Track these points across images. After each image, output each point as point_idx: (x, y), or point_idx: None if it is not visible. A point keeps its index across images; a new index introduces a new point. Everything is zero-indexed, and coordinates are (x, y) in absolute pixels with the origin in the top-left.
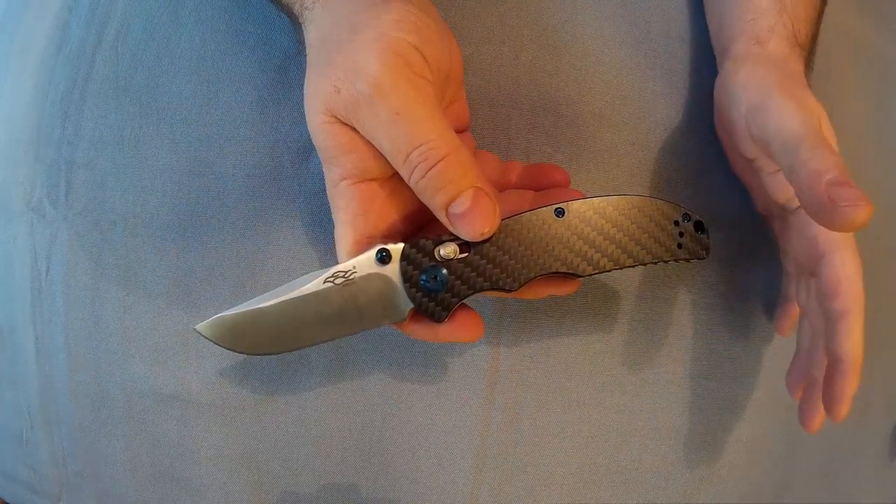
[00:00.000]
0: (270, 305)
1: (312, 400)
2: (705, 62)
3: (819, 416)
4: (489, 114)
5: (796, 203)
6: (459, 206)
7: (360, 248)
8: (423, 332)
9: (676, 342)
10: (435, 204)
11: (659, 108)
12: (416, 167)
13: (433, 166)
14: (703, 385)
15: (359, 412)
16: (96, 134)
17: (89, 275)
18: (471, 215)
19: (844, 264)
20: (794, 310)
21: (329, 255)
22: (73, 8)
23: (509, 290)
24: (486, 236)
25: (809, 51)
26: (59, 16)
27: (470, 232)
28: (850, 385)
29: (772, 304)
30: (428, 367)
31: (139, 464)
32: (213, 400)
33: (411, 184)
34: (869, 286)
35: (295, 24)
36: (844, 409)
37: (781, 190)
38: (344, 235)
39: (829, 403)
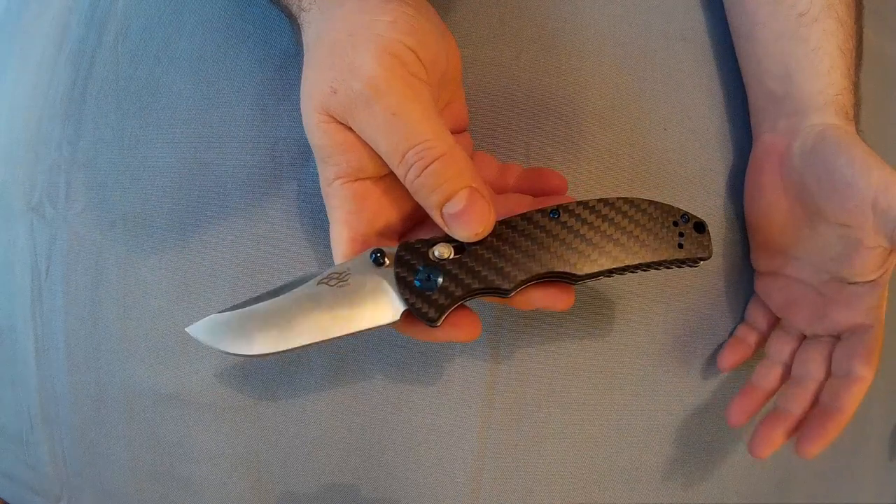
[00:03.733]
0: (262, 305)
1: (312, 400)
2: (705, 62)
3: (774, 447)
4: (489, 114)
5: (864, 279)
6: (454, 207)
7: (355, 247)
8: (419, 332)
9: (676, 342)
10: (430, 203)
11: (659, 108)
12: (411, 166)
13: (428, 165)
14: (704, 385)
15: (359, 412)
16: (96, 134)
17: (89, 275)
18: (465, 216)
19: (879, 338)
20: (745, 352)
21: (328, 254)
22: (72, 8)
23: (504, 294)
24: (479, 237)
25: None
26: (59, 16)
27: (464, 232)
28: (836, 432)
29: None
30: (428, 367)
31: (139, 464)
32: (212, 400)
33: (406, 183)
34: None
35: (294, 24)
36: (819, 450)
37: (870, 263)
38: (339, 234)
39: (810, 441)
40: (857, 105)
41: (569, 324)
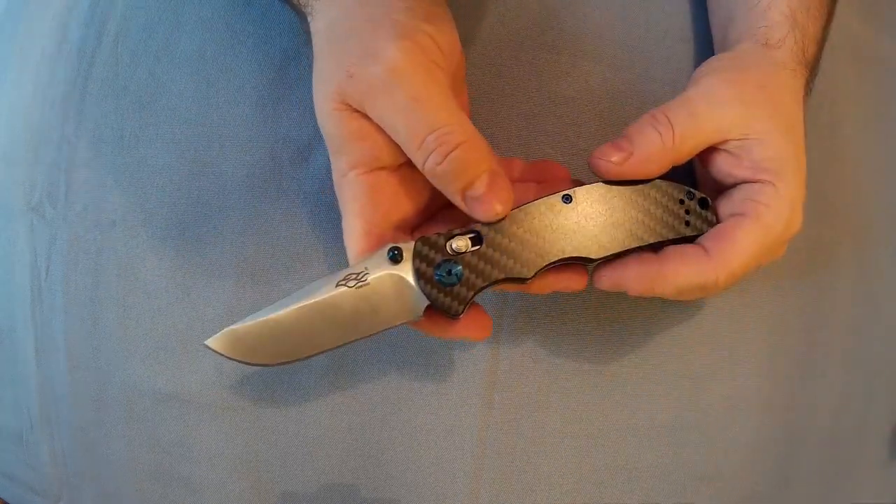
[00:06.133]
0: (282, 314)
1: (312, 400)
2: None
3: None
4: (489, 113)
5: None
6: (477, 191)
7: (370, 240)
8: (436, 328)
9: (676, 341)
10: (451, 189)
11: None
12: (432, 153)
13: (451, 152)
14: (704, 385)
15: (358, 412)
16: (96, 134)
17: (89, 275)
18: (487, 198)
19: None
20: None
21: (329, 254)
22: (72, 8)
23: (523, 281)
24: (500, 216)
25: (812, 72)
26: (59, 16)
27: (486, 213)
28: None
29: (774, 306)
30: (427, 367)
31: (139, 464)
32: (212, 400)
33: (425, 169)
34: (871, 288)
35: (299, 13)
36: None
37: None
38: (353, 227)
39: None
40: (798, 40)
41: (569, 323)
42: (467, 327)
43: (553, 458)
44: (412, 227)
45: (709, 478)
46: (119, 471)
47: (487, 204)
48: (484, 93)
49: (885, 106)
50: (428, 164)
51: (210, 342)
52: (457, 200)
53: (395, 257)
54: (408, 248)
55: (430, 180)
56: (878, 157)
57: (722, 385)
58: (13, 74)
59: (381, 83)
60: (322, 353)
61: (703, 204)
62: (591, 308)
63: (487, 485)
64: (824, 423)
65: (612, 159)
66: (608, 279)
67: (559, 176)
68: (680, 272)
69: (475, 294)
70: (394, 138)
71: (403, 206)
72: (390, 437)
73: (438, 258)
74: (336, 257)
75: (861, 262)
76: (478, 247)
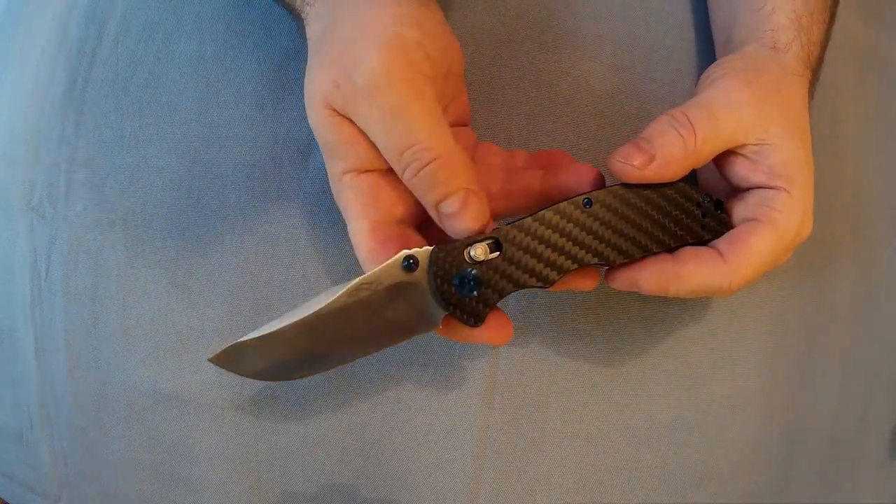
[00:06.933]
0: (290, 326)
1: (312, 400)
2: (705, 63)
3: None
4: (488, 113)
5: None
6: (449, 207)
7: (377, 237)
8: (456, 335)
9: (676, 342)
10: (425, 201)
11: (658, 108)
12: (408, 166)
13: (424, 167)
14: (703, 385)
15: (358, 412)
16: (96, 134)
17: (89, 275)
18: (459, 216)
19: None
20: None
21: (329, 254)
22: (72, 8)
23: (544, 287)
24: (471, 233)
25: (815, 75)
26: (58, 16)
27: (457, 230)
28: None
29: (774, 306)
30: (428, 367)
31: (139, 464)
32: (212, 400)
33: (404, 180)
34: (871, 288)
35: (297, 18)
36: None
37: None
38: (359, 227)
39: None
40: (804, 44)
41: (569, 323)
42: (486, 332)
43: (553, 458)
44: (416, 223)
45: (709, 478)
46: (119, 471)
47: (460, 222)
48: (484, 93)
49: (885, 106)
50: (405, 176)
51: (213, 358)
52: (432, 212)
53: (411, 266)
54: (423, 255)
55: (411, 191)
56: (878, 157)
57: (722, 385)
58: (13, 74)
59: (363, 94)
60: (334, 367)
61: (719, 206)
62: (591, 308)
63: (487, 485)
64: (824, 423)
65: (634, 163)
66: (624, 279)
67: (563, 162)
68: (696, 274)
69: (495, 303)
70: (377, 146)
71: (402, 203)
72: (390, 437)
73: (456, 266)
74: (336, 257)
75: (861, 262)
76: (497, 253)
